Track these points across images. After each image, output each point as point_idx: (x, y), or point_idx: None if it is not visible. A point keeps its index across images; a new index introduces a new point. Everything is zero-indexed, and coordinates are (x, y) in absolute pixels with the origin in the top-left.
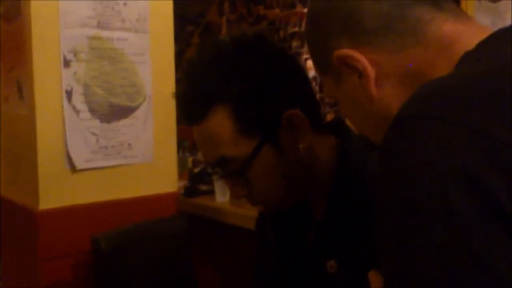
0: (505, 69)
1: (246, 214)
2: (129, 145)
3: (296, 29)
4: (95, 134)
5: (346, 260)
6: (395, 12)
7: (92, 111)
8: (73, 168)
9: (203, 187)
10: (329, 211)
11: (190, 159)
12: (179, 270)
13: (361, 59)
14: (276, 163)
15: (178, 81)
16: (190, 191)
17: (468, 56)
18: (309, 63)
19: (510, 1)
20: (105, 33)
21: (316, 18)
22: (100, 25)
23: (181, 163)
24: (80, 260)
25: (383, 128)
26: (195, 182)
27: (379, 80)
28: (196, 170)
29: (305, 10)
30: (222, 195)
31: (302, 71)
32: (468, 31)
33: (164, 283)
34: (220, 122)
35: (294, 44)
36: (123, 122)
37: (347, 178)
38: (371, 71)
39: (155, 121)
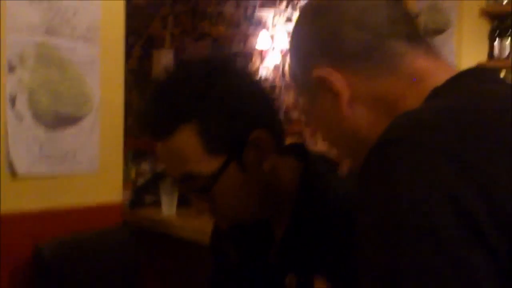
0: (472, 104)
1: (193, 228)
2: (74, 154)
3: (241, 47)
4: (39, 142)
5: (306, 277)
6: (374, 42)
7: (37, 118)
8: (14, 174)
9: (149, 199)
10: (291, 229)
11: (133, 170)
12: (124, 282)
13: (338, 79)
14: (240, 181)
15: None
16: (135, 202)
17: (437, 92)
18: None
19: None
20: (53, 41)
21: (300, 38)
22: (49, 32)
23: (125, 174)
24: (21, 269)
25: (354, 146)
26: (140, 193)
27: (352, 102)
28: (140, 181)
29: (250, 31)
30: (168, 208)
31: (267, 93)
32: (437, 68)
33: None
34: (187, 140)
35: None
36: (69, 130)
37: (309, 199)
38: (345, 92)
39: (101, 131)
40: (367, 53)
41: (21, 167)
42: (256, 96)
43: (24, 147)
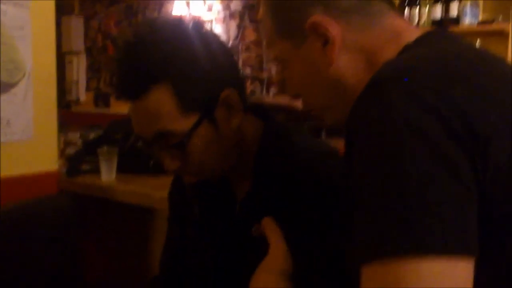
0: (447, 52)
1: (134, 191)
2: (8, 121)
3: (155, 14)
4: None
5: None
6: (364, 0)
7: None
8: None
9: (85, 167)
10: (254, 184)
11: (61, 140)
12: (66, 248)
13: (334, 28)
14: (211, 138)
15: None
16: (72, 171)
17: (408, 47)
18: None
19: None
20: None
21: None
22: None
23: None
24: None
25: (330, 95)
26: (76, 161)
27: (339, 51)
28: (69, 151)
29: None
30: (107, 174)
31: (232, 54)
32: (409, 28)
33: (48, 263)
34: (162, 100)
35: None
36: (2, 97)
37: (271, 155)
38: (338, 40)
39: (34, 98)
40: (359, 8)
41: None
42: (224, 57)
43: None
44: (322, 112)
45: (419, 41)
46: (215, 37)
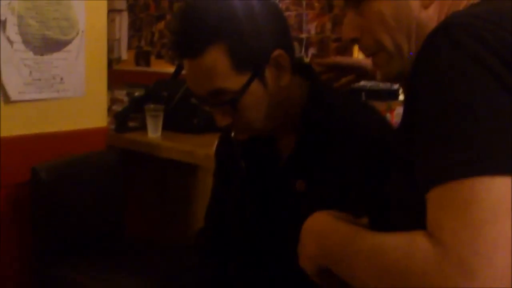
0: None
1: (179, 148)
2: (61, 78)
3: None
4: (28, 66)
5: (314, 181)
6: None
7: (26, 42)
8: (7, 100)
9: (131, 124)
10: (300, 140)
11: (108, 97)
12: (112, 202)
13: None
14: (262, 95)
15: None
16: (121, 127)
17: (474, 4)
18: None
19: None
20: None
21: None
22: None
23: None
24: (20, 189)
25: (415, 38)
26: (123, 118)
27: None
28: (115, 107)
29: None
30: (154, 131)
31: (284, 17)
32: None
33: (97, 214)
34: (217, 58)
35: None
36: (56, 55)
37: (315, 113)
38: None
39: (87, 56)
40: None
41: (13, 92)
42: (275, 19)
43: (16, 73)
44: (392, 57)
45: (483, 1)
46: (268, 0)
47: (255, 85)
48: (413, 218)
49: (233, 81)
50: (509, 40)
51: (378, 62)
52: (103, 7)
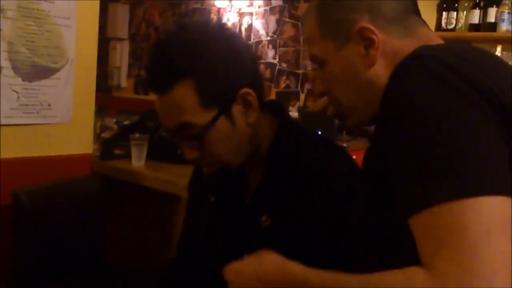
0: (470, 49)
1: (162, 178)
2: (49, 105)
3: (198, 5)
4: (16, 92)
5: (279, 217)
6: (405, 13)
7: (15, 69)
8: None
9: (117, 151)
10: (266, 176)
11: (98, 124)
12: (95, 227)
13: (379, 34)
14: (228, 132)
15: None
16: (106, 154)
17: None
18: None
19: None
20: None
21: None
22: None
23: None
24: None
25: (362, 95)
26: (109, 145)
27: (379, 55)
28: (104, 135)
29: None
30: (137, 160)
31: (254, 55)
32: (439, 40)
33: (78, 239)
34: (184, 94)
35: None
36: (44, 82)
37: (283, 148)
38: (381, 45)
39: (75, 84)
40: (400, 20)
41: (1, 116)
42: (245, 57)
43: (3, 97)
44: (349, 112)
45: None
46: (239, 38)
47: (222, 121)
48: (388, 253)
49: (200, 117)
50: (473, 67)
51: (343, 113)
52: (94, 35)
